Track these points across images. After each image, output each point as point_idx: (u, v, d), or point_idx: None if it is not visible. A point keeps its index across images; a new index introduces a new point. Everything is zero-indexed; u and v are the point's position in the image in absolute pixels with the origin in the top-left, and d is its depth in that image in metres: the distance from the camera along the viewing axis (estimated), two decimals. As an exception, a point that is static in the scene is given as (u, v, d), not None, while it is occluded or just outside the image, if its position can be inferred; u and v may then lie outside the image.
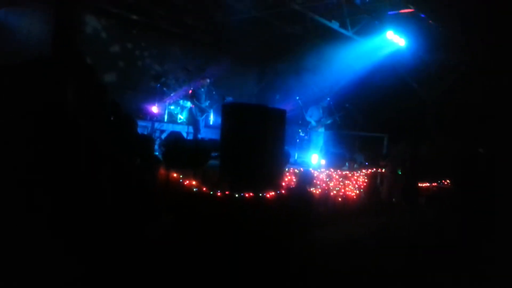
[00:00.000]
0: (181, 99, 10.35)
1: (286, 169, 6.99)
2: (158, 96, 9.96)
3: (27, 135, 4.72)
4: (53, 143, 4.68)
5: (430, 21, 9.43)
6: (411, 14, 9.15)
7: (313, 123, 9.95)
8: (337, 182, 7.78)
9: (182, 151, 6.40)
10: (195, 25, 10.76)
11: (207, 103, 9.39)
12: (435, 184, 9.19)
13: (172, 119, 10.38)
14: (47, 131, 4.72)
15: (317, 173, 7.52)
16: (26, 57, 5.14)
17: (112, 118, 5.38)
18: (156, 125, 9.42)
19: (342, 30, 9.76)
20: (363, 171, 8.41)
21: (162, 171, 5.67)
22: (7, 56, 6.39)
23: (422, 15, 9.15)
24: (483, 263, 5.25)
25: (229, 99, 9.53)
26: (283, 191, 6.17)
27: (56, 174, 4.57)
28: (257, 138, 5.84)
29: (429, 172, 8.97)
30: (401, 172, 8.07)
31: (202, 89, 9.32)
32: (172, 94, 10.22)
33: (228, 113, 6.19)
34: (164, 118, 10.13)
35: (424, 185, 8.85)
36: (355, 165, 8.79)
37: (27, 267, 3.65)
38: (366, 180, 8.31)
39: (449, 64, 11.46)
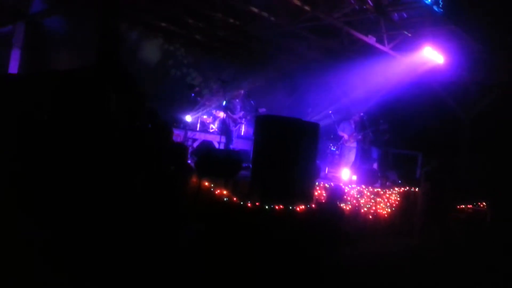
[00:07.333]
0: (214, 109, 10.49)
1: (317, 183, 6.93)
2: (192, 105, 10.13)
3: (69, 137, 4.90)
4: (92, 147, 4.83)
5: (470, 39, 9.20)
6: (451, 30, 8.96)
7: (345, 137, 9.83)
8: (368, 199, 7.64)
9: (214, 160, 6.45)
10: (230, 38, 10.89)
11: (240, 114, 9.47)
12: (470, 206, 8.88)
13: (204, 128, 10.52)
14: (87, 134, 4.88)
15: (348, 189, 7.41)
16: (71, 63, 5.37)
17: (149, 126, 5.51)
18: (189, 133, 9.56)
19: (379, 45, 9.64)
20: (396, 189, 8.22)
21: (194, 179, 5.73)
22: (55, 62, 6.66)
23: (462, 32, 8.93)
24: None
25: (262, 110, 9.56)
26: (313, 205, 6.11)
27: (93, 176, 4.71)
28: (291, 151, 5.82)
29: (464, 194, 8.69)
30: (432, 192, 7.85)
31: (237, 100, 9.41)
32: (205, 104, 10.38)
33: (263, 125, 6.19)
34: (196, 127, 10.28)
35: (459, 206, 8.57)
36: (388, 183, 8.60)
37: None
38: (398, 199, 8.12)
39: (489, 83, 11.10)
